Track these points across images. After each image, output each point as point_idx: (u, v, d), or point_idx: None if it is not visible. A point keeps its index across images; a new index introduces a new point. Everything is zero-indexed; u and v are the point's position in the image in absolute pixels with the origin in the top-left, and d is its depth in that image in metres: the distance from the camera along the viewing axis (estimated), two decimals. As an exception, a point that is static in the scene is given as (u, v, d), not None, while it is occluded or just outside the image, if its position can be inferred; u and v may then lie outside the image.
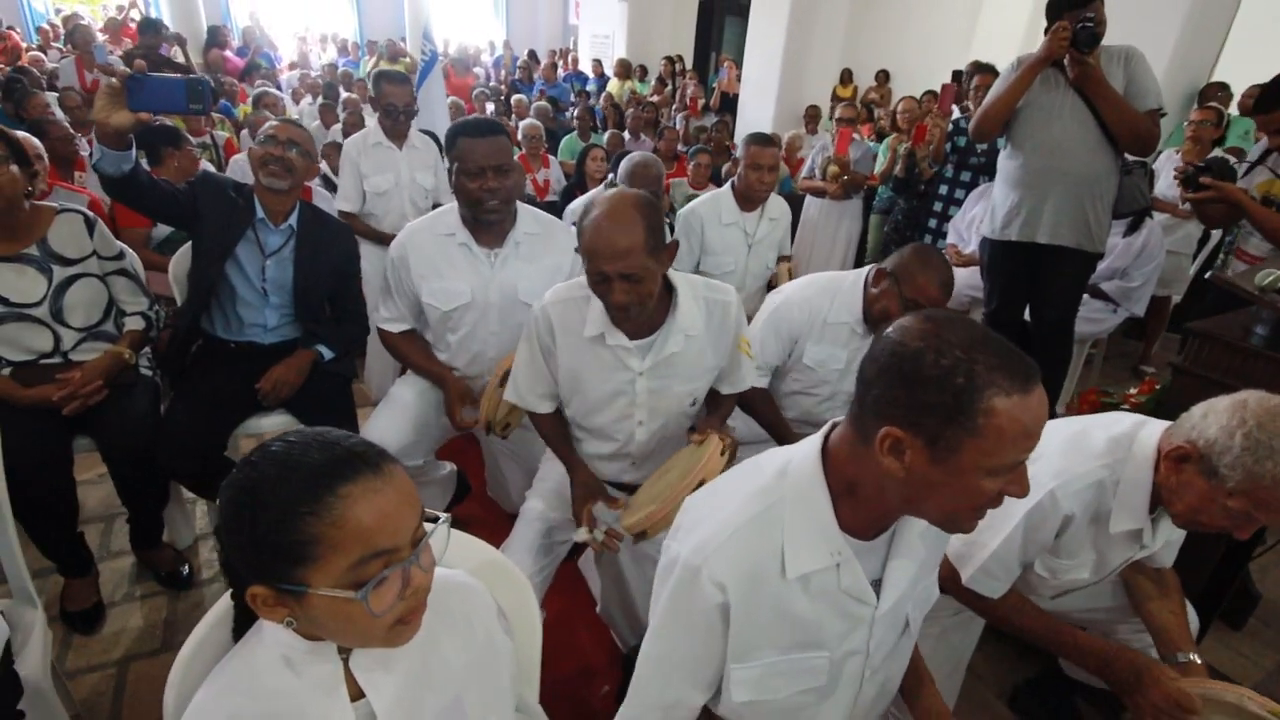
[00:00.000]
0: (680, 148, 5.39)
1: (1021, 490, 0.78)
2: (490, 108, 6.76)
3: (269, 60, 8.69)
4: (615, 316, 1.39)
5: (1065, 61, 2.30)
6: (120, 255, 1.92)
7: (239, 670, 0.73)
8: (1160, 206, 3.46)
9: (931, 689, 1.09)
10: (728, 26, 10.79)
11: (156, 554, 2.02)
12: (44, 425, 1.68)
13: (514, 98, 6.96)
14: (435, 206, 3.10)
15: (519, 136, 4.70)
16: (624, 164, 2.50)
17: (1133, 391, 1.99)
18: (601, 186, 3.31)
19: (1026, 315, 2.74)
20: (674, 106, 7.66)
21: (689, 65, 8.95)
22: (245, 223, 1.91)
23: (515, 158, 1.92)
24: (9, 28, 7.73)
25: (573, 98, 8.04)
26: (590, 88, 8.83)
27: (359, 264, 2.14)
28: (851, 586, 0.88)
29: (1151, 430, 1.20)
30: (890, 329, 0.81)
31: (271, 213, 1.94)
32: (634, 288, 1.31)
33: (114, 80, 1.50)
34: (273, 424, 2.01)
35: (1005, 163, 2.54)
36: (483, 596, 0.89)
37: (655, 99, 7.45)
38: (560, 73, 9.55)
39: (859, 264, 4.52)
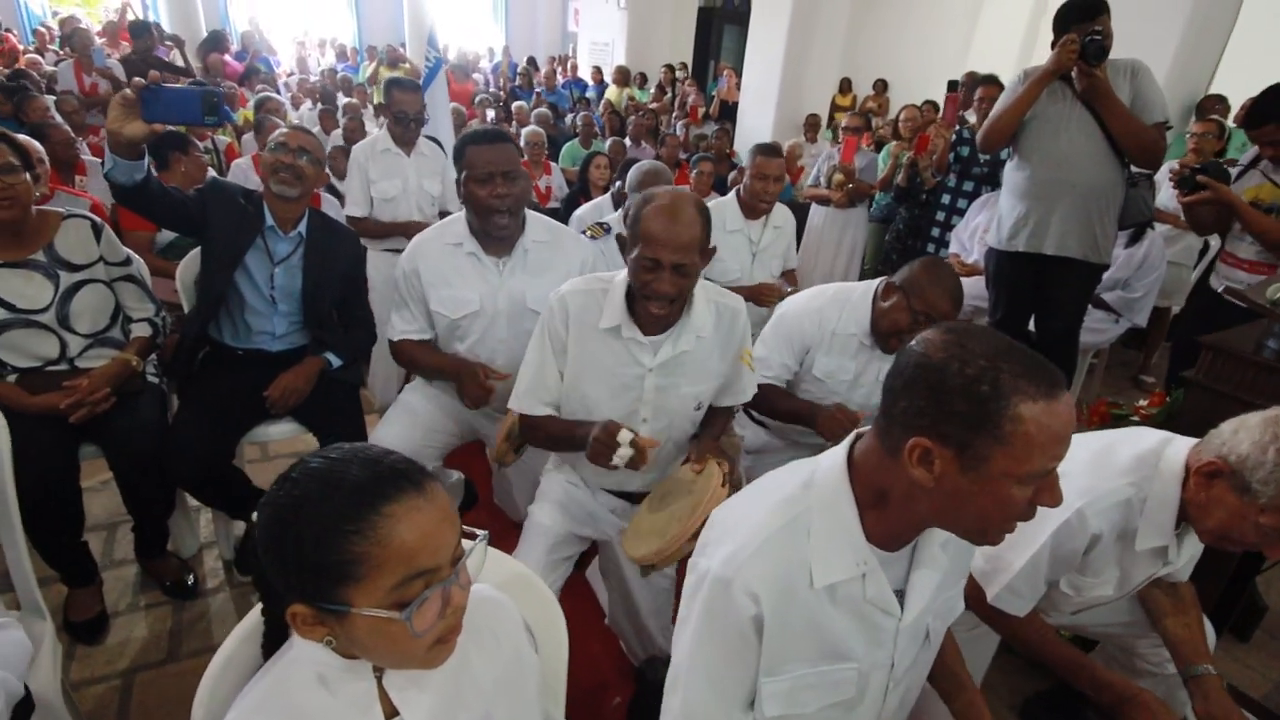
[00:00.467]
0: (681, 155, 5.40)
1: (1054, 500, 0.78)
2: (490, 115, 6.76)
3: (267, 65, 8.68)
4: (650, 308, 1.39)
5: (1073, 74, 2.31)
6: (127, 261, 1.91)
7: (272, 688, 0.72)
8: (1162, 218, 3.48)
9: (973, 692, 1.09)
10: (726, 35, 10.86)
11: (161, 563, 2.00)
12: (50, 433, 1.66)
13: (514, 104, 6.96)
14: (441, 214, 3.11)
15: (521, 143, 4.70)
16: (634, 171, 2.50)
17: (1142, 404, 2.00)
18: (607, 195, 3.31)
19: (1031, 326, 2.76)
20: (674, 114, 7.68)
21: (685, 73, 8.98)
22: (255, 230, 1.90)
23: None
24: (6, 30, 7.70)
25: (572, 105, 8.05)
26: (590, 95, 8.85)
27: (366, 271, 2.14)
28: (876, 597, 0.88)
29: (1178, 447, 1.20)
30: (914, 342, 0.81)
31: (281, 220, 1.93)
32: (681, 281, 1.35)
33: (129, 91, 1.49)
34: (280, 432, 1.99)
35: (1012, 174, 2.55)
36: (510, 611, 0.88)
37: (654, 106, 7.47)
38: (559, 79, 9.56)
39: (863, 273, 4.54)
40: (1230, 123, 4.38)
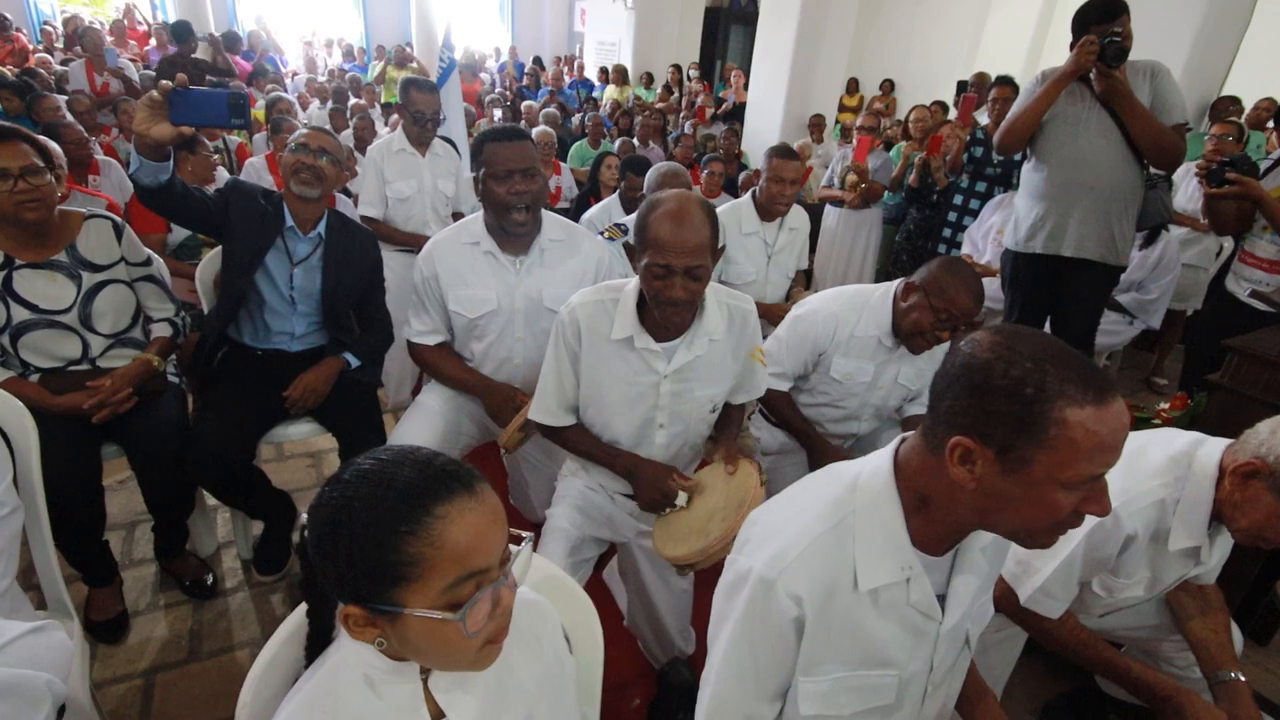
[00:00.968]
0: (691, 155, 5.39)
1: (1102, 508, 0.78)
2: (498, 114, 6.76)
3: (274, 64, 8.70)
4: (664, 314, 1.38)
5: (1091, 76, 2.31)
6: (148, 261, 1.91)
7: (320, 691, 0.72)
8: (1180, 220, 3.47)
9: (991, 700, 1.09)
10: (732, 36, 10.85)
11: (180, 562, 2.00)
12: (73, 432, 1.66)
13: (523, 104, 6.96)
14: (455, 214, 3.12)
15: (531, 143, 4.69)
16: (651, 172, 2.51)
17: (1163, 406, 1.99)
18: (615, 196, 3.32)
19: (1047, 328, 2.75)
20: (681, 114, 7.68)
21: (698, 73, 8.97)
22: (275, 230, 1.91)
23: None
24: (16, 29, 7.72)
25: (580, 105, 8.05)
26: (596, 95, 8.85)
27: (383, 271, 2.14)
28: (919, 601, 0.88)
29: (1210, 449, 1.20)
30: (963, 342, 0.81)
31: (301, 220, 1.93)
32: (694, 285, 1.33)
33: (156, 93, 1.49)
34: (299, 432, 2.00)
35: (1030, 175, 2.54)
36: (549, 613, 0.88)
37: (661, 106, 7.47)
38: (566, 79, 9.57)
39: (878, 273, 4.53)
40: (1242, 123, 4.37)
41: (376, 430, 2.02)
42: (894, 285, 1.84)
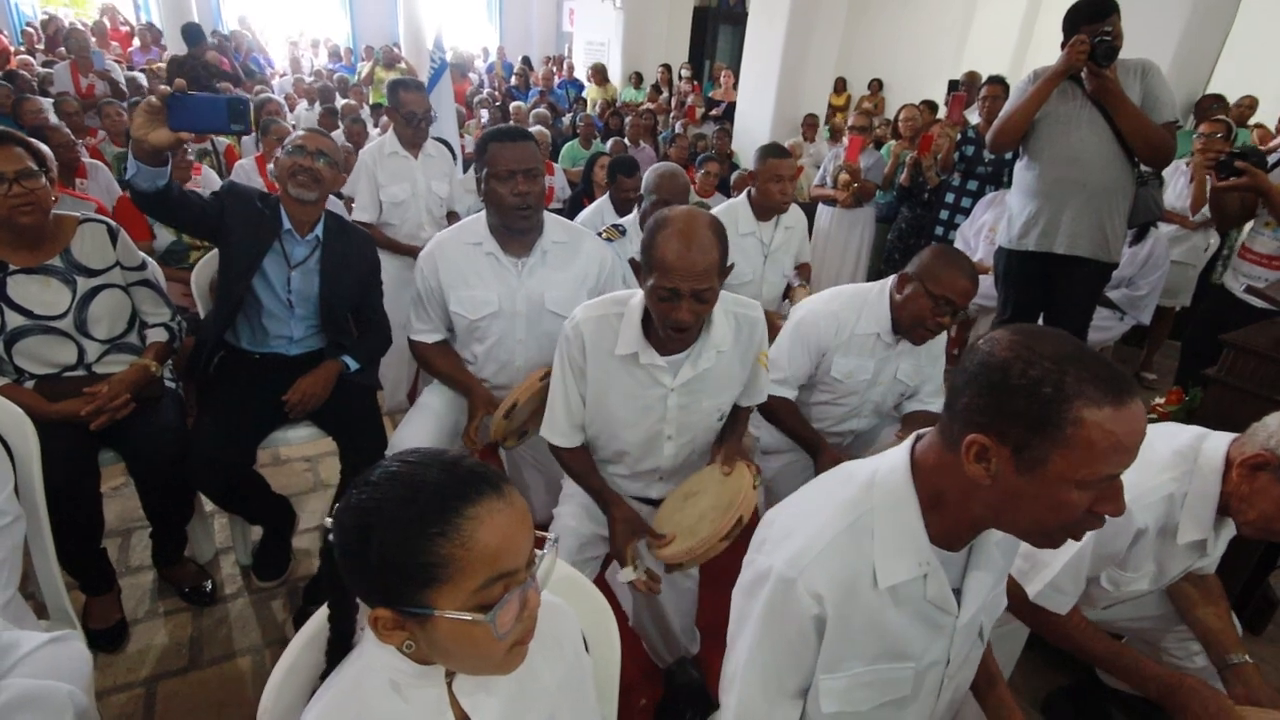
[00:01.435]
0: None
1: (1116, 509, 0.78)
2: (485, 115, 6.73)
3: (258, 65, 8.62)
4: (669, 334, 1.38)
5: (1082, 74, 2.33)
6: (143, 265, 1.89)
7: (346, 695, 0.71)
8: (1169, 217, 3.51)
9: (1003, 686, 1.11)
10: (721, 35, 10.87)
11: (179, 569, 1.98)
12: (71, 439, 1.64)
13: (512, 105, 6.93)
14: (449, 215, 3.10)
15: (523, 144, 4.67)
16: (650, 174, 2.50)
17: (1159, 401, 2.02)
18: (606, 197, 3.30)
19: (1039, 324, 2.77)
20: (671, 114, 7.68)
21: (689, 73, 8.98)
22: (272, 234, 1.89)
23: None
24: (-2, 31, 7.62)
25: (570, 105, 8.03)
26: (586, 95, 8.83)
27: (380, 274, 2.13)
28: (936, 596, 0.89)
29: (1215, 442, 1.22)
30: (981, 341, 0.82)
31: (298, 223, 1.92)
32: (701, 308, 1.32)
33: (154, 99, 1.48)
34: (299, 436, 1.99)
35: (1022, 173, 2.57)
36: (568, 614, 0.88)
37: (650, 106, 7.47)
38: (555, 79, 9.54)
39: (871, 272, 4.55)
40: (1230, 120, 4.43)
41: (377, 433, 2.01)
42: (889, 281, 1.85)
